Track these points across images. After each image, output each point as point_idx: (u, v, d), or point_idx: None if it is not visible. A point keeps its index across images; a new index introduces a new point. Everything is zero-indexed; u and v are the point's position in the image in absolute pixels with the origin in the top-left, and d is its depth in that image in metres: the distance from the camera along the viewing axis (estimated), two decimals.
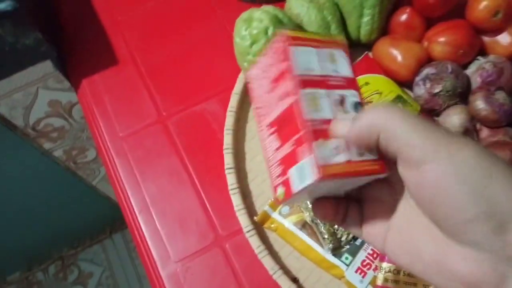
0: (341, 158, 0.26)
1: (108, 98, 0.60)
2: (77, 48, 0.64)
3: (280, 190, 0.27)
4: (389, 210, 0.28)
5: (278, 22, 0.51)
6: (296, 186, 0.26)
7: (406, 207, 0.27)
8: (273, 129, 0.28)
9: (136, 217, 0.54)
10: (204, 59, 0.63)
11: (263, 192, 0.53)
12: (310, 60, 0.28)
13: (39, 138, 0.75)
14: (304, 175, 0.25)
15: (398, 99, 0.52)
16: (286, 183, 0.27)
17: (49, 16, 0.64)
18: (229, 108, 0.56)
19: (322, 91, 0.27)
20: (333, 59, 0.29)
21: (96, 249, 1.31)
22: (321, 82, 0.27)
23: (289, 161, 0.27)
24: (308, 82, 0.27)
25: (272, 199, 0.51)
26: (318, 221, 0.49)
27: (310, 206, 0.49)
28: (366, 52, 0.58)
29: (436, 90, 0.52)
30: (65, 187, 0.98)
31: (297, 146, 0.26)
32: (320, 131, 0.26)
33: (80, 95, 0.62)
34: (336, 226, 0.48)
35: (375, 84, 0.53)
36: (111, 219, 1.29)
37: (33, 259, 1.28)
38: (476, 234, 0.22)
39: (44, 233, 1.17)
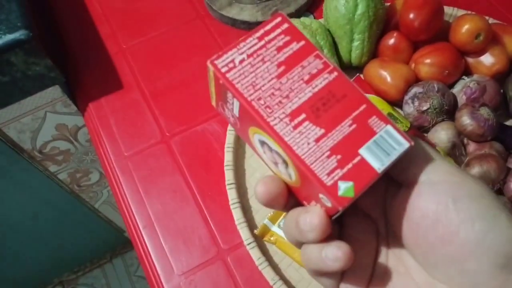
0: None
1: (113, 120, 0.64)
2: (84, 74, 0.68)
3: (344, 186, 0.22)
4: (370, 253, 0.26)
5: None
6: (382, 162, 0.22)
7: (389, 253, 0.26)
8: (301, 118, 0.23)
9: (141, 233, 0.56)
10: (205, 83, 0.66)
11: (262, 207, 0.55)
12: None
13: (45, 161, 0.78)
14: (387, 147, 0.23)
15: (390, 116, 0.55)
16: (353, 173, 0.22)
17: (56, 43, 0.68)
18: (229, 127, 0.59)
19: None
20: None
21: (96, 274, 1.31)
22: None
23: (351, 143, 0.23)
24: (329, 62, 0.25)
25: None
26: None
27: None
28: (358, 74, 0.62)
29: (424, 108, 0.55)
30: (68, 211, 0.99)
31: (363, 121, 0.23)
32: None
33: (87, 118, 0.65)
34: None
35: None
36: (112, 244, 1.30)
37: (33, 284, 1.28)
38: (476, 274, 0.21)
39: (46, 257, 1.18)
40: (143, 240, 0.56)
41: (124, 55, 0.70)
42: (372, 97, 0.58)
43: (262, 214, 0.55)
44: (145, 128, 0.63)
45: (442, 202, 0.22)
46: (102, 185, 0.93)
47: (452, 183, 0.23)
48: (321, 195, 0.23)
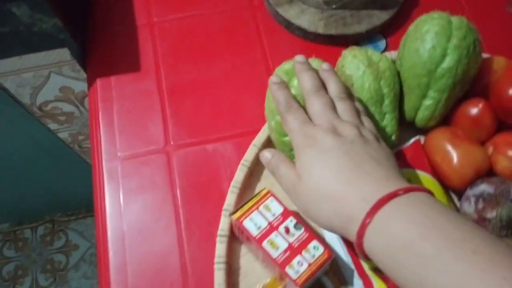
0: (304, 266, 0.40)
1: (117, 108, 0.54)
2: (101, 42, 0.58)
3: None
4: None
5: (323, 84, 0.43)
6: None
7: None
8: (265, 263, 0.43)
9: (108, 250, 0.48)
10: (234, 92, 0.55)
11: (253, 269, 0.45)
12: (257, 221, 0.42)
13: (45, 118, 0.70)
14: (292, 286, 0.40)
15: None
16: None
17: (77, 2, 0.58)
18: (242, 161, 0.49)
19: (273, 235, 0.41)
20: (268, 208, 0.43)
21: (89, 222, 1.28)
22: (270, 229, 0.41)
23: (282, 277, 0.41)
24: (262, 236, 0.41)
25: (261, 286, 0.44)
26: None
27: None
28: (419, 137, 0.49)
29: (488, 216, 0.42)
30: (67, 162, 0.93)
31: (280, 272, 0.40)
32: (286, 259, 0.40)
33: (90, 95, 0.55)
34: None
35: (416, 183, 0.44)
36: None
37: (25, 214, 1.26)
38: None
39: (41, 195, 1.14)
40: (108, 259, 0.47)
41: (152, 30, 0.59)
42: (425, 178, 0.45)
43: (251, 280, 0.45)
44: (149, 128, 0.53)
45: None
46: None
47: None
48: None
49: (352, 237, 0.33)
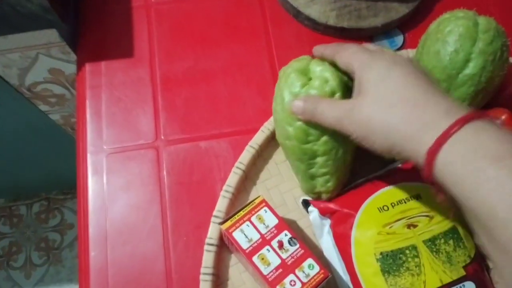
0: (297, 286, 0.36)
1: (106, 96, 0.50)
2: (93, 24, 0.53)
3: None
4: None
5: (345, 87, 0.38)
6: None
7: None
8: (255, 277, 0.40)
9: (88, 251, 0.44)
10: (233, 85, 0.51)
11: (243, 282, 0.42)
12: (248, 233, 0.38)
13: (34, 99, 0.66)
14: None
15: (451, 233, 0.39)
16: None
17: None
18: (237, 163, 0.45)
19: (265, 249, 0.38)
20: (261, 219, 0.39)
21: None
22: (262, 243, 0.38)
23: None
24: (253, 250, 0.38)
25: None
26: None
27: None
28: None
29: None
30: (61, 142, 0.90)
31: None
32: (278, 277, 0.36)
33: (78, 82, 0.51)
34: None
35: (428, 201, 0.40)
36: None
37: (21, 191, 1.24)
38: None
39: (36, 173, 1.12)
40: (88, 259, 0.44)
41: (148, 12, 0.54)
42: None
43: None
44: (139, 121, 0.49)
45: None
46: None
47: None
48: None
49: (420, 147, 0.29)
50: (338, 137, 0.37)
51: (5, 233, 1.23)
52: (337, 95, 0.37)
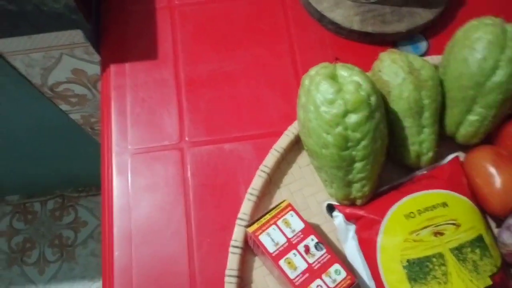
0: None
1: (130, 97, 0.50)
2: (117, 24, 0.54)
3: None
4: None
5: (378, 89, 0.38)
6: None
7: None
8: (280, 280, 0.40)
9: (112, 251, 0.45)
10: (256, 87, 0.51)
11: (267, 285, 0.42)
12: (274, 236, 0.38)
13: (56, 99, 0.67)
14: None
15: (478, 242, 0.39)
16: None
17: None
18: (261, 166, 0.45)
19: (291, 253, 0.38)
20: (287, 223, 0.39)
21: (98, 200, 1.26)
22: (288, 247, 0.38)
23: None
24: (280, 254, 0.38)
25: None
26: None
27: None
28: (457, 154, 0.44)
29: None
30: (79, 141, 0.91)
31: None
32: (304, 281, 0.37)
33: (103, 82, 0.52)
34: None
35: (455, 209, 0.40)
36: None
37: (35, 187, 1.25)
38: None
39: (52, 170, 1.13)
40: (112, 258, 0.45)
41: (172, 14, 0.54)
42: (464, 202, 0.41)
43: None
44: (163, 122, 0.49)
45: None
46: None
47: None
48: None
49: None
50: (376, 140, 0.38)
51: (20, 229, 1.24)
52: (373, 98, 0.37)
